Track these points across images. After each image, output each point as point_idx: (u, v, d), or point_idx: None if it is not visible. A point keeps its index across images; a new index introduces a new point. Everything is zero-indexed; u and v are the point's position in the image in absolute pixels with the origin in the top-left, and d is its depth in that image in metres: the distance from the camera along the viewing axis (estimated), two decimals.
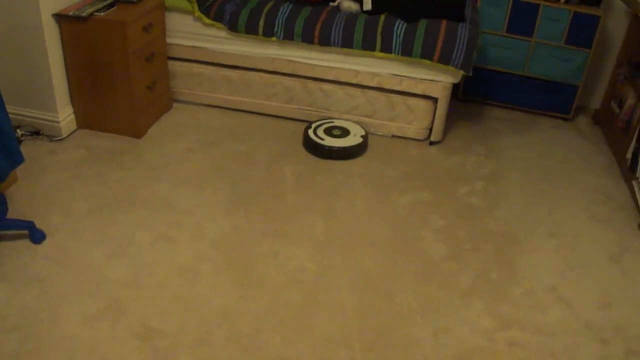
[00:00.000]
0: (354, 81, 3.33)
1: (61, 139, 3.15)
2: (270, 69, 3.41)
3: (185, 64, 3.51)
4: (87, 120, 3.24)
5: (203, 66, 3.50)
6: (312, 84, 3.39)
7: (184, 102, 3.64)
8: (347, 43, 3.19)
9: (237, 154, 3.17)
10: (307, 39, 3.22)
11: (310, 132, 3.24)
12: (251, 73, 3.45)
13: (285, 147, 3.24)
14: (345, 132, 3.27)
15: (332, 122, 3.36)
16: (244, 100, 3.54)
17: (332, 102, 3.42)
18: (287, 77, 3.41)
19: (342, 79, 3.34)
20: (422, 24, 3.14)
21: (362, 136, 3.26)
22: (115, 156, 3.06)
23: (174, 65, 3.53)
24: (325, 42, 3.21)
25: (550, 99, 3.80)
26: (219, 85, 3.53)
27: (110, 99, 3.15)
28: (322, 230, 2.61)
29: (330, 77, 3.35)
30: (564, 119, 3.87)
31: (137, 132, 3.23)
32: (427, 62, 3.14)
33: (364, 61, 3.26)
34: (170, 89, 3.59)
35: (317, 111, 3.46)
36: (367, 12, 3.29)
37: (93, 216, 2.60)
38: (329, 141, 3.16)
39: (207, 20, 3.31)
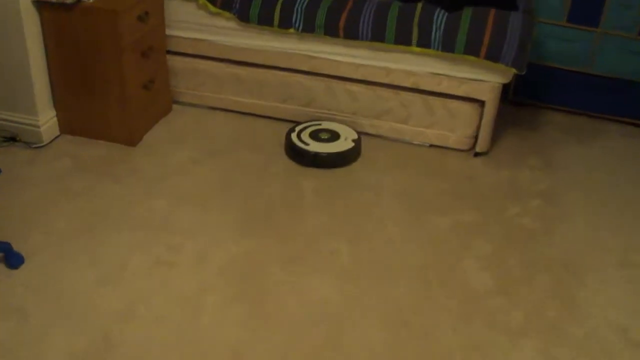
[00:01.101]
0: (385, 81, 3.35)
1: (42, 146, 3.19)
2: (287, 66, 3.45)
3: (188, 59, 3.54)
4: (72, 124, 3.27)
5: (208, 62, 3.53)
6: (336, 84, 3.43)
7: (186, 104, 3.67)
8: (377, 36, 3.22)
9: (248, 165, 3.20)
10: (331, 31, 3.25)
11: (294, 136, 3.27)
12: (265, 71, 3.49)
13: None
14: (334, 136, 3.30)
15: (320, 124, 3.40)
16: (256, 103, 3.58)
17: (360, 105, 3.44)
18: (306, 76, 3.44)
19: (372, 79, 3.36)
20: (467, 14, 3.16)
21: (353, 140, 3.28)
22: (106, 167, 3.09)
23: (174, 61, 3.56)
24: (352, 34, 3.24)
25: (621, 101, 3.77)
26: (227, 85, 3.56)
27: (99, 100, 3.18)
28: (348, 256, 2.62)
29: (358, 76, 3.37)
30: (638, 126, 3.84)
31: (131, 138, 3.25)
32: (472, 58, 3.16)
33: (398, 57, 3.28)
34: (170, 88, 3.61)
35: (342, 116, 3.49)
36: None
37: (80, 237, 2.63)
38: (315, 146, 3.20)
39: (213, 9, 3.35)
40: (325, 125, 3.40)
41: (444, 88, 3.30)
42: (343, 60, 3.35)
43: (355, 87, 3.41)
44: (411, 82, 3.33)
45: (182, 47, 3.54)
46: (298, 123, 3.45)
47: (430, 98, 3.35)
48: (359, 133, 3.42)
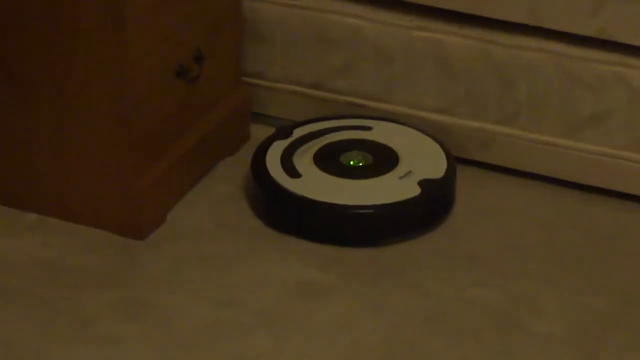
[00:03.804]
0: None
1: None
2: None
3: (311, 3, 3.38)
4: None
5: (358, 8, 3.27)
6: None
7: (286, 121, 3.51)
8: None
9: (485, 308, 2.81)
10: None
11: (277, 148, 3.26)
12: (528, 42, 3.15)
13: None
14: (382, 162, 3.22)
15: (370, 127, 3.34)
16: (531, 140, 3.25)
17: None
18: None
19: None
20: None
21: (423, 182, 3.14)
22: (70, 293, 2.91)
23: (264, 3, 3.37)
24: None
25: None
26: (413, 76, 3.29)
27: (48, 110, 2.99)
28: None
29: None
30: None
31: (135, 218, 3.03)
32: None
33: None
34: (242, 79, 3.36)
35: None
36: None
37: None
38: (310, 183, 3.12)
39: None
40: (378, 131, 3.32)
41: None
42: None
43: None
44: None
45: None
46: (298, 124, 3.41)
47: None
48: (452, 160, 3.28)
